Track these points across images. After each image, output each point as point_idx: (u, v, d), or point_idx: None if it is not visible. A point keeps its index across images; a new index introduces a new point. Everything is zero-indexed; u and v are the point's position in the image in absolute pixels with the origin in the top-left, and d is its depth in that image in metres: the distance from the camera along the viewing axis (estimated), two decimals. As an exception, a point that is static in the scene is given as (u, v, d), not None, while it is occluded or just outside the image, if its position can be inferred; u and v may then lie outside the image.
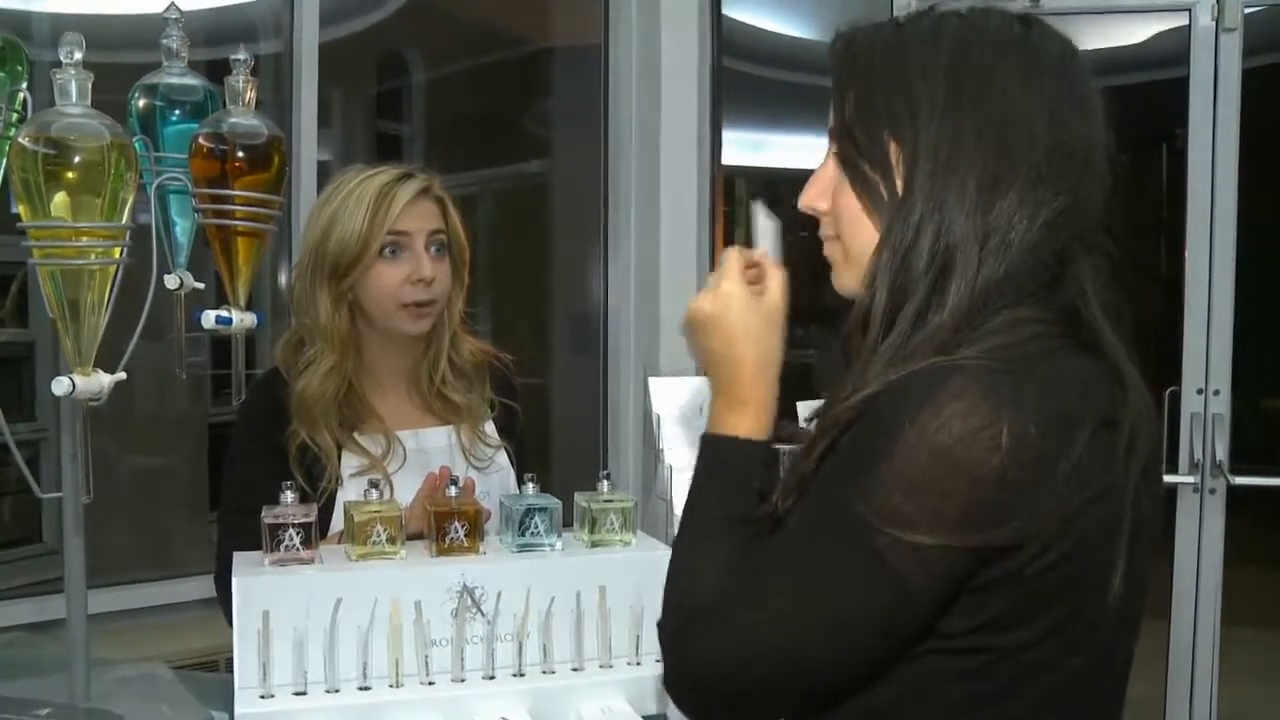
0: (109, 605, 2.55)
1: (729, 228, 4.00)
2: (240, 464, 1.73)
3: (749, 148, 3.83)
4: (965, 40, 0.97)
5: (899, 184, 0.97)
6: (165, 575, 2.72)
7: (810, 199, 1.05)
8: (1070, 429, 0.88)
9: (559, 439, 3.66)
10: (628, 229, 3.31)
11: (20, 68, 1.34)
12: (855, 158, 1.00)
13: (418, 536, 1.51)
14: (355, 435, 1.75)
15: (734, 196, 4.09)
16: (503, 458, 1.86)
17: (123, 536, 2.92)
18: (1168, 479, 2.76)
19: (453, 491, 1.48)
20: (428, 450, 1.81)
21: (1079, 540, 0.88)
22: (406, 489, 1.69)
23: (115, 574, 2.72)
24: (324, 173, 2.91)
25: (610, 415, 3.36)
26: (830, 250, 1.05)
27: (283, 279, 2.89)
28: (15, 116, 1.32)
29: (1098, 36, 3.35)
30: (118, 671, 1.47)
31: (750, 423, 1.06)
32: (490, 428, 1.87)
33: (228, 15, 3.17)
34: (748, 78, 3.49)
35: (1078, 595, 0.90)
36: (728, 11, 3.37)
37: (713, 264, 3.39)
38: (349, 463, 1.73)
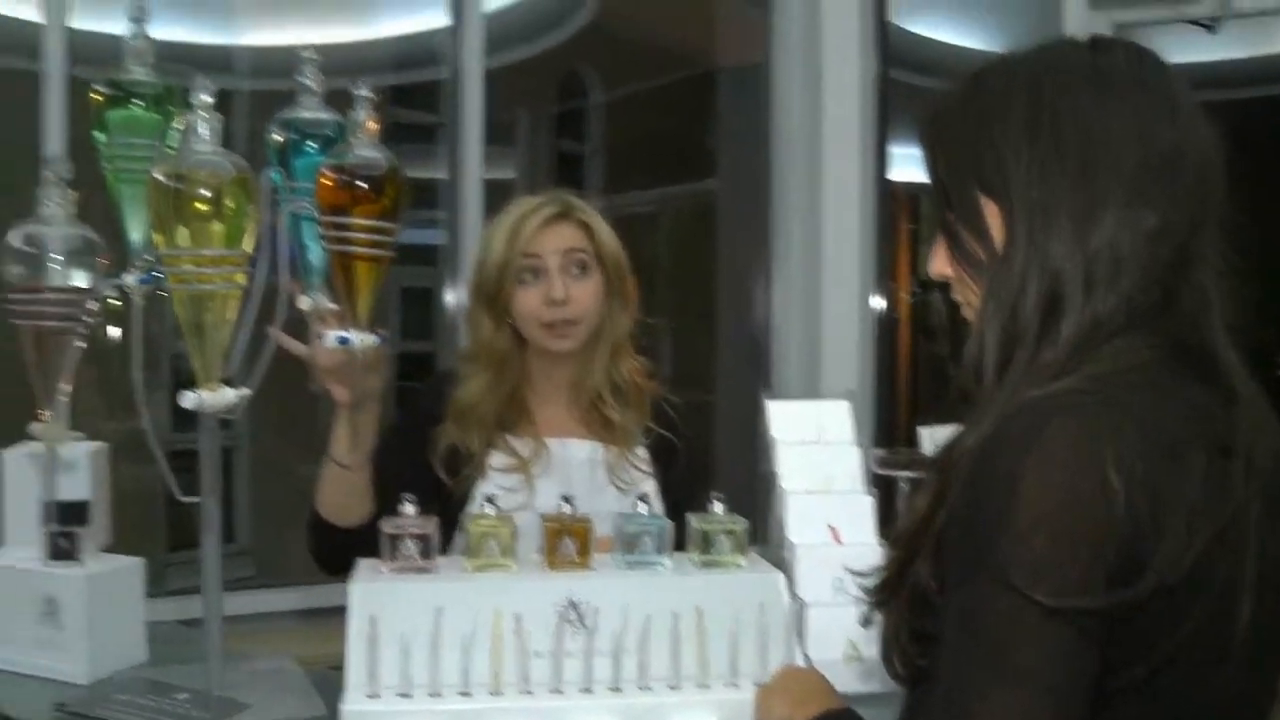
0: (292, 604, 2.72)
1: (914, 245, 3.89)
2: (383, 435, 1.74)
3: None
4: (1037, 78, 0.96)
5: (996, 240, 0.96)
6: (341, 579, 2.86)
7: (936, 268, 1.06)
8: (1181, 459, 0.85)
9: (725, 458, 3.67)
10: (790, 248, 3.29)
11: (174, 109, 1.46)
12: (953, 224, 1.00)
13: None
14: (507, 436, 1.83)
15: (919, 215, 3.98)
16: (650, 485, 1.88)
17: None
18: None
19: (566, 509, 1.52)
20: (569, 461, 1.86)
21: (1201, 576, 0.84)
22: (546, 494, 1.74)
23: (301, 576, 2.88)
24: (506, 192, 3.02)
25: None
26: (966, 313, 1.04)
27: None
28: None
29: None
30: (253, 664, 1.58)
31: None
32: (643, 453, 1.90)
33: (412, 42, 3.33)
34: (927, 92, 3.41)
35: (1192, 632, 0.86)
36: (901, 23, 3.30)
37: (880, 282, 3.32)
38: (496, 460, 1.80)
